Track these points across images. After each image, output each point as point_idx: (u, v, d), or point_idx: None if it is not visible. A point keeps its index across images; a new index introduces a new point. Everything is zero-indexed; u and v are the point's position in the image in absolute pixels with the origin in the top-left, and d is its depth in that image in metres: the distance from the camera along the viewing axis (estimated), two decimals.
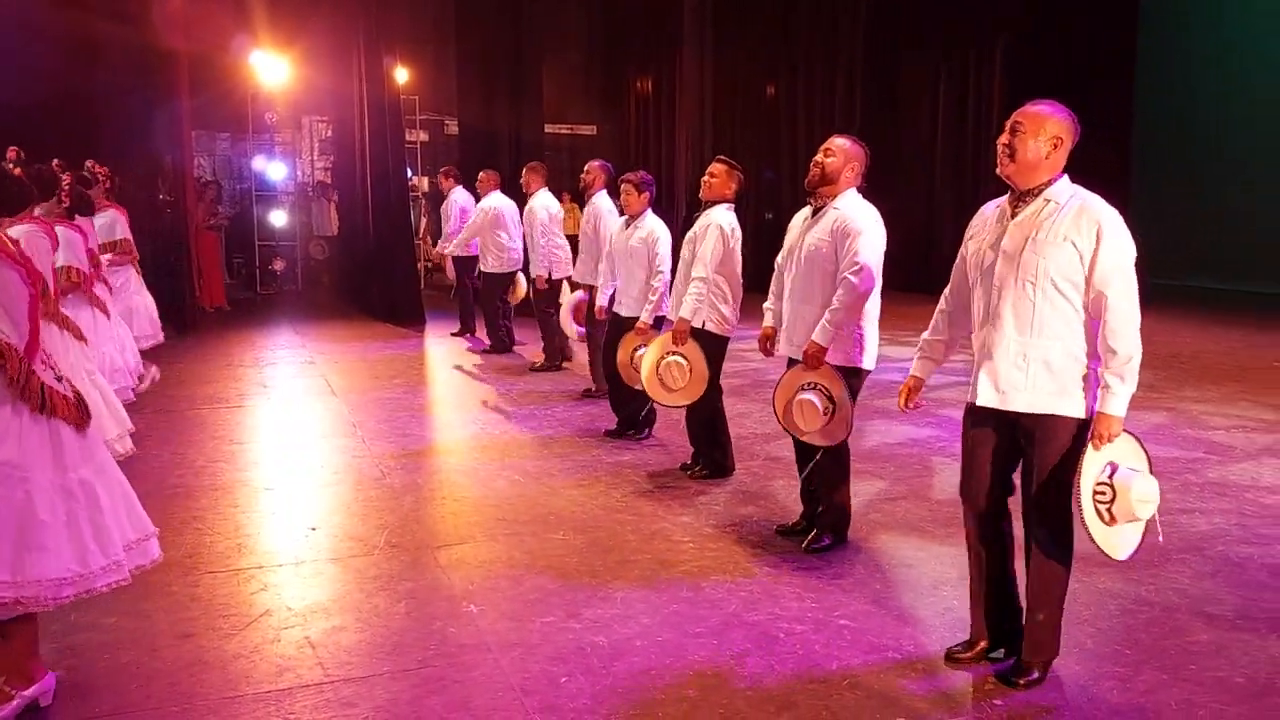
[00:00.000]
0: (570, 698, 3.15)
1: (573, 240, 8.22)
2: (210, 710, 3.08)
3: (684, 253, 5.46)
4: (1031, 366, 3.10)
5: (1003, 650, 3.38)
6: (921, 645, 3.54)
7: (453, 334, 11.14)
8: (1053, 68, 13.31)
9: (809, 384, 4.25)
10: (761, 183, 16.13)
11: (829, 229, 4.29)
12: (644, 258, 6.10)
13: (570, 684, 3.23)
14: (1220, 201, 14.51)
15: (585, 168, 7.70)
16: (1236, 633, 3.63)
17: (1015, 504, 3.33)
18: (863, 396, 4.72)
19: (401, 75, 14.11)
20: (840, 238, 4.25)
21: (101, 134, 10.49)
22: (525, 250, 9.29)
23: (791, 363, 4.46)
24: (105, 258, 6.95)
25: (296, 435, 6.71)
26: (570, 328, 8.06)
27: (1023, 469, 3.24)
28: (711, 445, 5.62)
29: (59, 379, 3.12)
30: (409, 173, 14.79)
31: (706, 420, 5.58)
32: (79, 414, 3.10)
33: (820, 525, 4.50)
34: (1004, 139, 3.13)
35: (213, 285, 13.45)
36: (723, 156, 5.63)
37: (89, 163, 7.99)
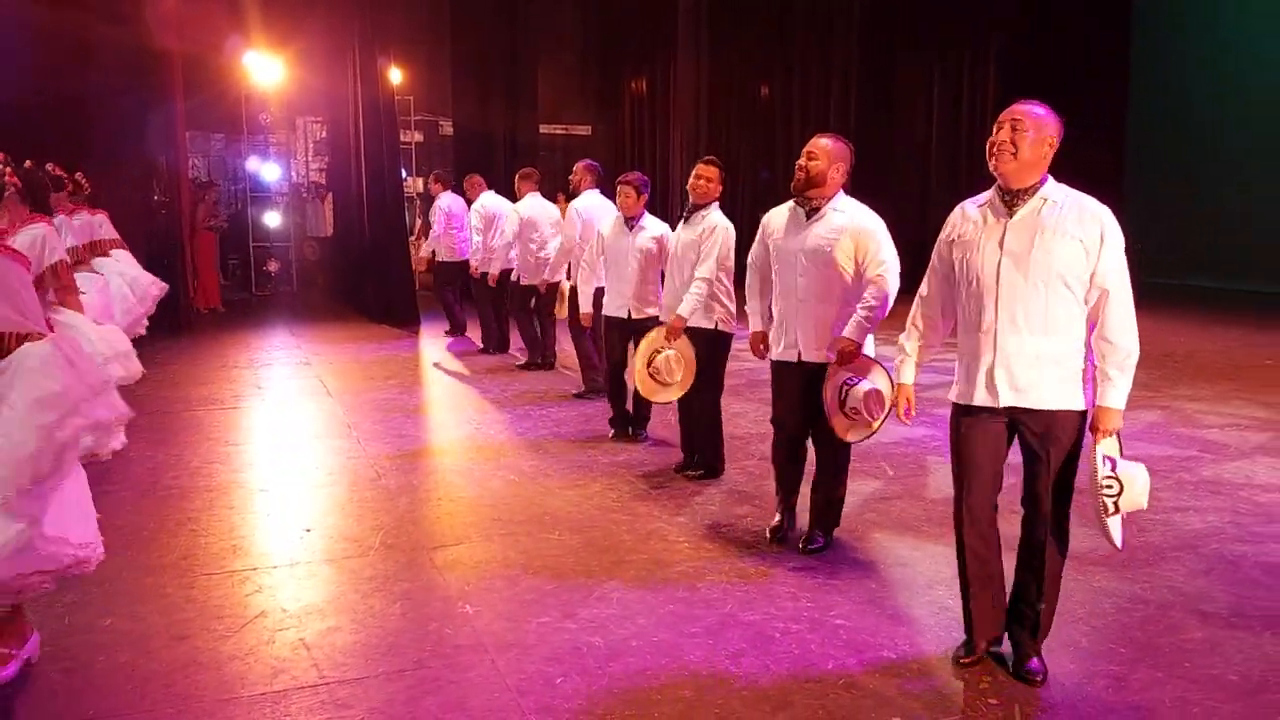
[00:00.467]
0: (566, 698, 3.14)
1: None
2: (206, 712, 3.07)
3: (678, 253, 5.50)
4: (1045, 364, 3.14)
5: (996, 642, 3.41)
6: (917, 645, 3.54)
7: (446, 332, 11.22)
8: (1048, 68, 13.32)
9: (850, 380, 4.20)
10: (758, 183, 16.16)
11: (835, 228, 4.26)
12: (654, 258, 6.12)
13: (566, 684, 3.23)
14: (1216, 202, 14.55)
15: (573, 169, 7.81)
16: (1231, 630, 3.64)
17: (1004, 501, 3.35)
18: None
19: (396, 76, 14.11)
20: (856, 237, 4.25)
21: (95, 135, 10.45)
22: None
23: (789, 365, 4.40)
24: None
25: (291, 436, 6.70)
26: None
27: (1029, 465, 3.25)
28: (713, 445, 5.61)
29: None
30: (403, 174, 14.79)
31: (710, 420, 5.57)
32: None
33: (825, 526, 4.50)
34: (1005, 135, 3.12)
35: (208, 286, 13.44)
36: (711, 157, 5.64)
37: (50, 165, 7.94)
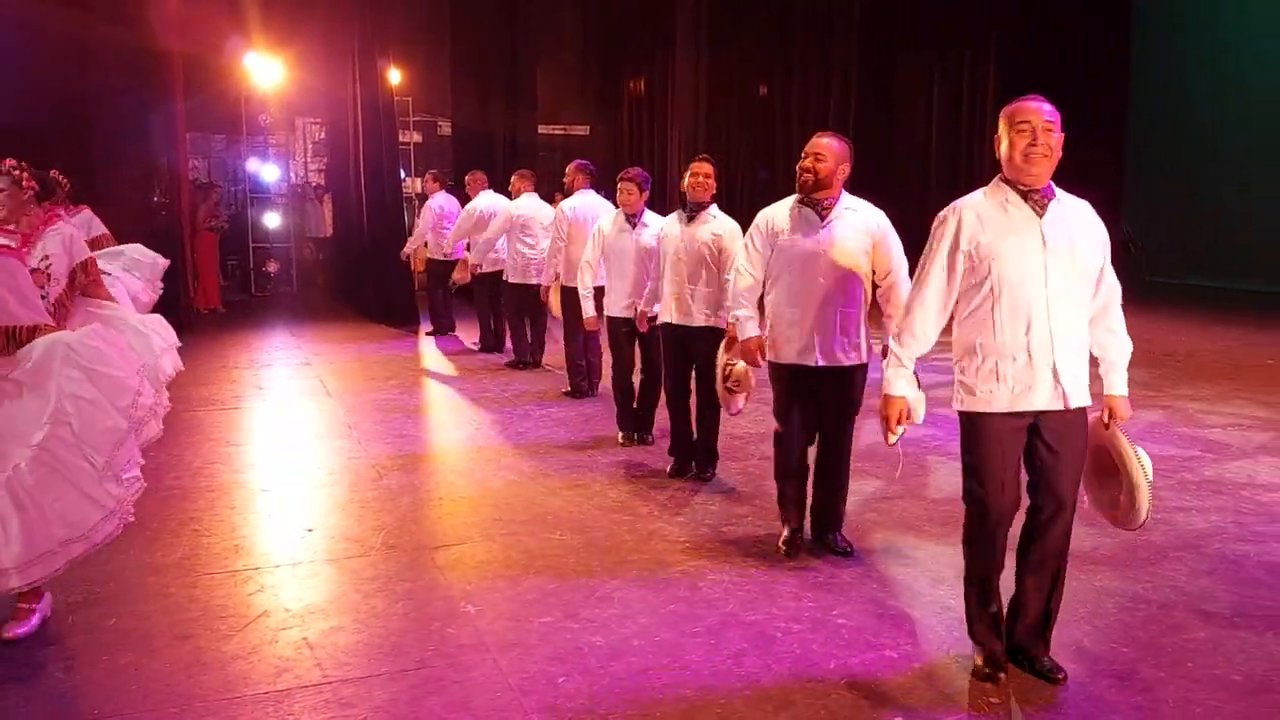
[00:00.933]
0: (568, 698, 3.15)
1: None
2: (209, 711, 3.08)
3: (682, 251, 5.35)
4: (1083, 361, 3.20)
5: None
6: (919, 644, 3.54)
7: (428, 333, 11.23)
8: (1048, 68, 13.31)
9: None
10: (757, 183, 16.15)
11: (857, 229, 4.23)
12: (657, 256, 5.98)
13: (568, 684, 3.23)
14: (1216, 202, 14.53)
15: (565, 170, 7.83)
16: (1233, 630, 3.64)
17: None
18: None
19: (395, 76, 14.09)
20: (875, 236, 4.25)
21: (95, 135, 10.46)
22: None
23: (806, 370, 4.26)
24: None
25: (292, 436, 6.70)
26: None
27: (1052, 466, 3.17)
28: (713, 432, 5.53)
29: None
30: (402, 174, 14.78)
31: (715, 413, 5.43)
32: None
33: (838, 526, 4.47)
34: (1041, 139, 3.06)
35: (208, 287, 13.44)
36: (705, 155, 5.58)
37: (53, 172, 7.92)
